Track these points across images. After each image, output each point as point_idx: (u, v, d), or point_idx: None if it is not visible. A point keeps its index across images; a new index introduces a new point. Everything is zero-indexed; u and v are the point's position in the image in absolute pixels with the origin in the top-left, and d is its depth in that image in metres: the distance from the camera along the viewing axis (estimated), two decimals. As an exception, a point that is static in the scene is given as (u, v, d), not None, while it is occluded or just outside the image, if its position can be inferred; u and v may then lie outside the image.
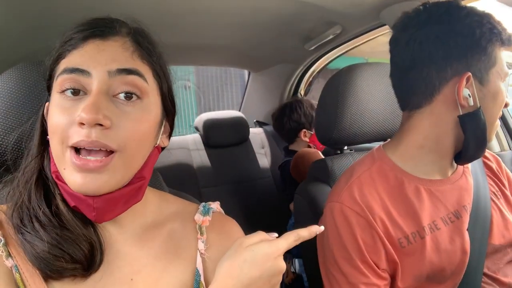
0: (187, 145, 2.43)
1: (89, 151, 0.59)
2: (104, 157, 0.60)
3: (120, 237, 0.70)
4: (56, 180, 0.64)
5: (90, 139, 0.58)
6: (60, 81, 0.62)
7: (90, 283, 0.64)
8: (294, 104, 2.19)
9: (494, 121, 0.95)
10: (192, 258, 0.73)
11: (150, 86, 0.66)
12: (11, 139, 0.81)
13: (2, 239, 0.63)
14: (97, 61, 0.62)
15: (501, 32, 0.90)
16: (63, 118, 0.60)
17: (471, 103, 0.89)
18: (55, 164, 0.64)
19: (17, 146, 0.82)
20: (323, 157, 1.93)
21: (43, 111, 0.69)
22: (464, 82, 0.89)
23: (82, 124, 0.58)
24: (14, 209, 0.65)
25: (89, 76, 0.61)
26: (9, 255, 0.62)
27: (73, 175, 0.60)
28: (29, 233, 0.62)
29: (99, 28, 0.65)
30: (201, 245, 0.74)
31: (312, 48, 2.01)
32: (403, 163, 0.99)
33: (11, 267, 0.62)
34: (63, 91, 0.61)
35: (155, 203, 0.76)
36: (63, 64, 0.63)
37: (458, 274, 0.94)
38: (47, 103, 0.69)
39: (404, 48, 0.94)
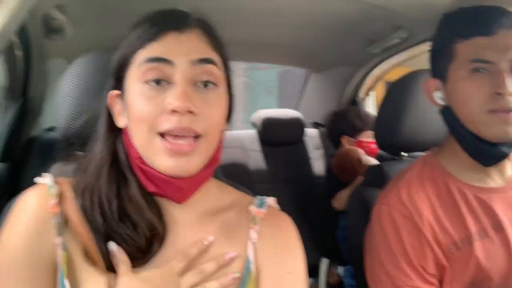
0: (243, 140, 2.46)
1: (176, 137, 0.64)
2: (192, 141, 0.64)
3: (181, 220, 0.73)
4: (141, 165, 0.68)
5: (182, 125, 0.62)
6: (144, 71, 0.65)
7: (144, 261, 0.68)
8: (339, 112, 2.24)
9: (474, 116, 0.90)
10: (244, 246, 0.74)
11: (222, 75, 0.70)
12: (81, 121, 0.87)
13: (57, 218, 0.67)
14: (178, 52, 0.66)
15: (460, 27, 0.91)
16: (150, 106, 0.64)
17: (443, 103, 0.96)
18: (136, 151, 0.68)
19: (86, 128, 0.87)
20: (362, 154, 1.90)
21: (107, 101, 0.73)
22: (432, 87, 0.97)
23: (173, 111, 0.62)
24: (79, 191, 0.69)
25: (172, 65, 0.65)
26: (59, 233, 0.66)
27: (165, 160, 0.64)
28: (90, 221, 0.67)
29: (175, 21, 0.69)
30: (253, 235, 0.75)
31: (376, 51, 1.98)
32: (452, 168, 0.98)
33: (58, 245, 0.66)
34: (146, 81, 0.65)
35: (215, 191, 0.79)
36: (143, 54, 0.66)
37: (507, 287, 0.90)
38: (112, 93, 0.72)
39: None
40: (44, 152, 1.72)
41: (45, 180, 0.71)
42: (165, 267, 0.66)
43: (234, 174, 2.24)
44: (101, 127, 0.74)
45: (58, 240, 0.66)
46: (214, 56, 0.69)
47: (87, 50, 0.97)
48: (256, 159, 2.41)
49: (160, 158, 0.64)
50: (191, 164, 0.65)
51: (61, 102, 0.89)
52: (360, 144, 2.08)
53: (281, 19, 1.70)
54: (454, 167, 0.98)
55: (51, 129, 1.83)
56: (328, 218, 2.12)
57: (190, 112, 0.63)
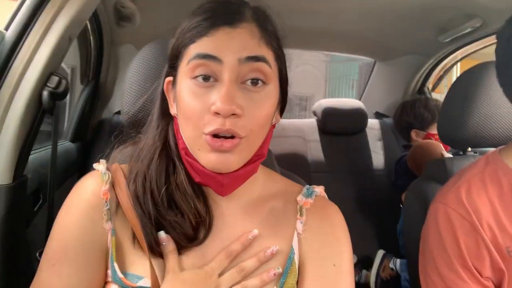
0: (303, 129, 2.47)
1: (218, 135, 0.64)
2: (233, 140, 0.64)
3: (227, 210, 0.74)
4: (185, 157, 0.69)
5: (225, 127, 0.62)
6: (192, 66, 0.65)
7: (192, 250, 0.70)
8: (407, 104, 2.16)
9: None
10: (289, 237, 0.74)
11: (273, 71, 0.68)
12: (139, 105, 0.91)
13: (108, 204, 0.70)
14: (228, 49, 0.64)
15: None
16: (197, 104, 0.64)
17: None
18: (183, 141, 0.69)
19: (146, 112, 0.90)
20: (444, 151, 1.82)
21: (163, 87, 0.74)
22: None
23: (217, 113, 0.62)
24: (132, 177, 0.72)
25: (220, 63, 0.63)
26: (110, 219, 0.70)
27: (208, 155, 0.64)
28: (140, 207, 0.69)
29: (228, 15, 0.66)
30: (299, 226, 0.75)
31: (447, 40, 1.90)
32: None
33: (108, 230, 0.69)
34: (195, 77, 0.65)
35: (262, 180, 0.79)
36: (194, 49, 0.65)
37: None
38: (167, 79, 0.73)
39: (505, 44, 0.87)
40: (112, 134, 1.82)
41: (98, 167, 0.74)
42: (207, 267, 0.68)
43: (292, 163, 2.27)
44: (155, 113, 0.76)
45: (108, 226, 0.69)
46: (266, 52, 0.67)
47: (156, 36, 1.01)
48: (315, 149, 2.40)
49: (203, 153, 0.65)
50: (232, 161, 0.65)
51: (127, 87, 0.93)
52: (430, 137, 2.01)
53: (347, 6, 1.67)
54: None
55: (120, 112, 1.94)
56: (389, 211, 2.08)
57: (234, 114, 0.62)
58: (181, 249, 0.69)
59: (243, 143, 0.65)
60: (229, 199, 0.73)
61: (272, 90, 0.69)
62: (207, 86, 0.64)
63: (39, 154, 1.28)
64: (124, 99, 0.93)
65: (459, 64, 2.49)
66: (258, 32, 0.67)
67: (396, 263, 1.97)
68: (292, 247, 0.73)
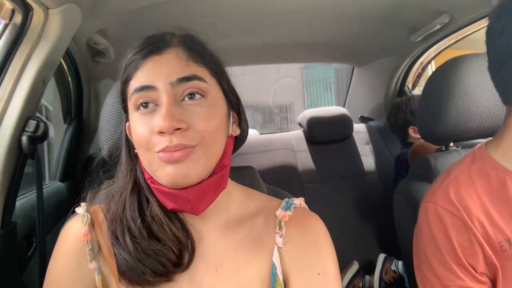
0: (291, 141, 2.48)
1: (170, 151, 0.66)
2: (185, 149, 0.66)
3: (205, 232, 0.76)
4: (152, 185, 0.71)
5: (173, 143, 0.64)
6: (134, 100, 0.69)
7: (179, 276, 0.71)
8: (401, 103, 2.16)
9: None
10: (270, 252, 0.75)
11: (210, 85, 0.71)
12: (107, 147, 0.92)
13: (90, 245, 0.73)
14: (159, 75, 0.68)
15: None
16: (145, 130, 0.67)
17: None
18: (147, 171, 0.72)
19: (112, 153, 0.92)
20: None
21: (126, 132, 0.78)
22: None
23: (162, 132, 0.65)
24: (110, 218, 0.74)
25: (155, 90, 0.67)
26: (93, 258, 0.73)
27: (165, 170, 0.66)
28: (120, 246, 0.71)
29: (154, 45, 0.71)
30: (278, 240, 0.75)
31: (419, 39, 1.93)
32: (507, 161, 0.90)
33: (94, 269, 0.72)
34: (137, 108, 0.69)
35: (239, 199, 0.80)
36: (132, 85, 0.70)
37: None
38: (127, 124, 0.77)
39: (499, 38, 0.85)
40: (101, 169, 1.81)
41: (79, 210, 0.78)
42: None
43: (284, 176, 2.27)
44: (123, 157, 0.79)
45: (93, 265, 0.72)
46: (197, 70, 0.70)
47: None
48: (305, 159, 2.41)
49: (160, 171, 0.67)
50: (189, 170, 0.66)
51: (104, 123, 0.93)
52: None
53: (318, 17, 1.70)
54: (510, 160, 0.90)
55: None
56: (386, 213, 2.08)
57: (178, 129, 0.65)
58: (167, 277, 0.70)
59: (198, 151, 0.67)
60: (205, 221, 0.75)
61: (214, 101, 0.72)
62: (150, 112, 0.68)
63: (29, 198, 1.27)
64: (101, 135, 0.93)
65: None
66: (185, 54, 0.71)
67: (398, 265, 1.97)
68: (273, 262, 0.74)
